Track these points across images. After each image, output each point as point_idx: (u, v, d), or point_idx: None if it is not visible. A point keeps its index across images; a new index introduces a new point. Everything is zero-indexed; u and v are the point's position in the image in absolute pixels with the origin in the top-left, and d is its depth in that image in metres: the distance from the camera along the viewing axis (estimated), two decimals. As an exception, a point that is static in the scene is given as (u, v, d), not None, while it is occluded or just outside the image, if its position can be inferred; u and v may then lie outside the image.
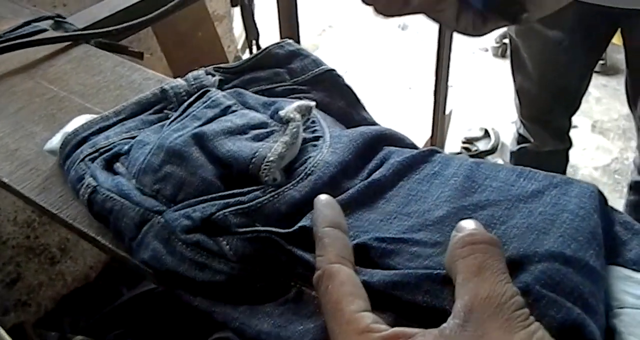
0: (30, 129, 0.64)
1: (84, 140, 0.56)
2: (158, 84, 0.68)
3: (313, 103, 0.52)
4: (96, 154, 0.54)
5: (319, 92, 0.58)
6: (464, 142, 2.27)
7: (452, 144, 2.27)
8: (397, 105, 2.34)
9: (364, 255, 0.42)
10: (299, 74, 0.59)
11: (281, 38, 1.70)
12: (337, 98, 0.58)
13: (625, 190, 1.61)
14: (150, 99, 0.59)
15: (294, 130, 0.49)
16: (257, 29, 1.29)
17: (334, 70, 0.59)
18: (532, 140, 1.63)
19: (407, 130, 2.22)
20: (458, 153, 2.24)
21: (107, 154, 0.54)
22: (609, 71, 2.52)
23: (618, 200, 1.83)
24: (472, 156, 2.19)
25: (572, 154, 1.73)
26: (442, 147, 2.14)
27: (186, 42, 1.65)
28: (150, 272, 0.47)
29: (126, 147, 0.55)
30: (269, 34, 1.49)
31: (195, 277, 0.45)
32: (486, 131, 2.30)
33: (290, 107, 0.50)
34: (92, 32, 0.78)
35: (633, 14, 1.16)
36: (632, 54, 1.30)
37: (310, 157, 0.49)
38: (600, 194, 0.43)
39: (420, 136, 1.95)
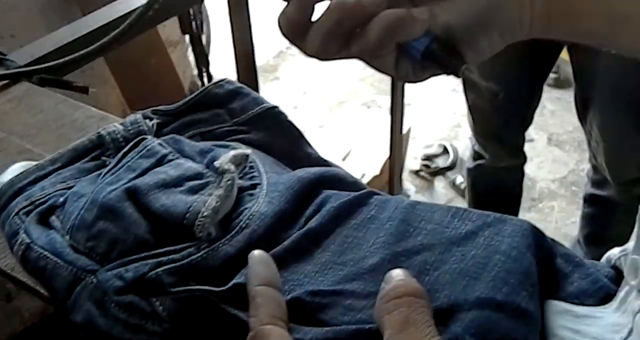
0: (-32, 172, 0.62)
1: (20, 191, 0.55)
2: (101, 122, 0.67)
3: (249, 151, 0.51)
4: (31, 207, 0.53)
5: (259, 131, 0.57)
6: (423, 159, 2.28)
7: (412, 162, 2.28)
8: (355, 125, 2.35)
9: (298, 310, 0.41)
10: (239, 113, 0.59)
11: (237, 63, 1.69)
12: (279, 136, 0.57)
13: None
14: (87, 146, 0.58)
15: (229, 182, 0.48)
16: (207, 57, 1.28)
17: (275, 107, 0.59)
18: (486, 156, 1.65)
19: (367, 149, 2.23)
20: (418, 170, 2.26)
21: (42, 207, 0.53)
22: (563, 84, 2.57)
23: (576, 212, 1.85)
24: (432, 173, 2.23)
25: (530, 167, 1.76)
26: (402, 165, 2.15)
27: (139, 69, 1.63)
28: None
29: (61, 199, 0.54)
30: (228, 59, 1.48)
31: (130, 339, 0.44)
32: (445, 148, 2.32)
33: (225, 158, 0.50)
34: (33, 69, 0.76)
35: None
36: (579, 69, 1.33)
37: (246, 208, 0.49)
38: (535, 229, 0.43)
39: (379, 155, 1.96)
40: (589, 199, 1.57)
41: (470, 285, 0.39)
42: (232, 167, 0.49)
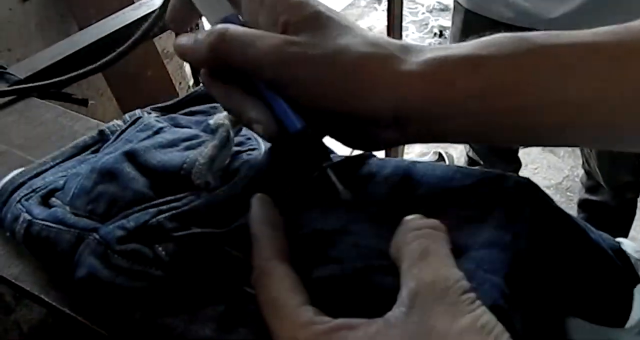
0: (-30, 185, 0.63)
1: (21, 185, 0.55)
2: (93, 132, 0.68)
3: None
4: (32, 194, 0.54)
5: None
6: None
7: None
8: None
9: (302, 249, 0.41)
10: None
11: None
12: None
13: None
14: (88, 142, 0.59)
15: (224, 134, 0.48)
16: (204, 68, 1.29)
17: None
18: (481, 162, 1.67)
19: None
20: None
21: (42, 191, 0.54)
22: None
23: (571, 218, 1.86)
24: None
25: (524, 173, 1.77)
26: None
27: (136, 81, 1.65)
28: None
29: (62, 182, 0.54)
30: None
31: (133, 287, 0.44)
32: (440, 155, 2.33)
33: (219, 115, 0.50)
34: (37, 85, 0.77)
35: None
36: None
37: (245, 161, 0.49)
38: (534, 185, 0.43)
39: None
40: (582, 205, 1.59)
41: (477, 228, 0.39)
42: (227, 122, 0.49)
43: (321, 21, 0.42)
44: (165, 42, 1.91)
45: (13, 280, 0.53)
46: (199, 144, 0.51)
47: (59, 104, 0.77)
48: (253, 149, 0.52)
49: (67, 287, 0.51)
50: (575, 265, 0.42)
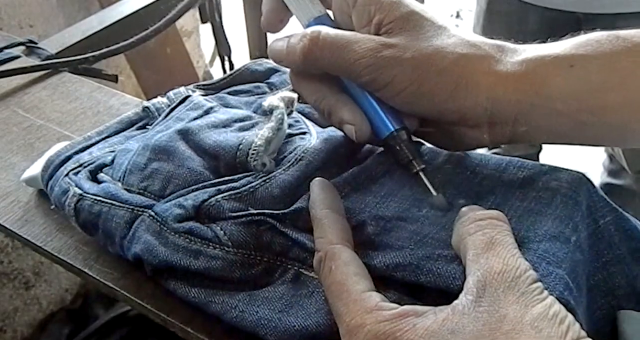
0: (9, 159, 0.63)
1: (67, 159, 0.55)
2: (137, 108, 0.68)
3: (295, 95, 0.51)
4: (80, 168, 0.53)
5: (299, 103, 0.58)
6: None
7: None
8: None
9: (362, 235, 0.41)
10: (279, 87, 0.59)
11: (250, 53, 1.70)
12: None
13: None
14: (132, 118, 0.59)
15: (279, 116, 0.48)
16: (229, 45, 1.29)
17: None
18: (502, 144, 1.65)
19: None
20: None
21: (90, 166, 0.53)
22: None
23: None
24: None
25: (545, 157, 1.75)
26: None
27: (155, 59, 1.64)
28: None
29: (110, 157, 0.54)
30: (237, 51, 1.49)
31: (189, 266, 0.44)
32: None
33: (273, 97, 0.50)
34: (70, 60, 0.77)
35: (596, 18, 1.19)
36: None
37: (299, 145, 0.49)
38: (588, 180, 0.43)
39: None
40: (604, 189, 1.58)
41: (537, 220, 0.39)
42: (281, 104, 0.49)
43: (415, 21, 0.42)
44: (184, 20, 1.90)
45: (55, 254, 0.53)
46: (252, 126, 0.51)
47: (91, 80, 0.77)
48: (304, 133, 0.51)
49: (111, 262, 0.51)
50: (627, 257, 0.42)
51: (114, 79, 0.84)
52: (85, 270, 0.52)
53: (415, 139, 0.46)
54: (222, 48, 1.26)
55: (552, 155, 2.25)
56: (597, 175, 1.71)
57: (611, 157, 1.47)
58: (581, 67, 0.40)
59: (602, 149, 1.60)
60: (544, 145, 1.69)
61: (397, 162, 0.44)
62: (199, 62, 1.99)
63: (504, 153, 1.67)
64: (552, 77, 0.40)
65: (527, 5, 1.23)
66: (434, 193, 0.42)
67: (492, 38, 0.43)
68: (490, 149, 1.71)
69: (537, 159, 1.73)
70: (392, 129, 0.44)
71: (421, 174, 0.43)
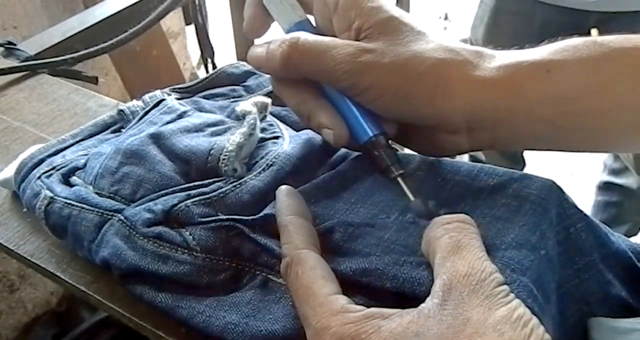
0: (-16, 162, 0.63)
1: (40, 162, 0.55)
2: (112, 111, 0.68)
3: (269, 100, 0.51)
4: (52, 171, 0.53)
5: (275, 106, 0.57)
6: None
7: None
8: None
9: (330, 241, 0.41)
10: (255, 90, 0.59)
11: (237, 55, 1.69)
12: (294, 113, 0.57)
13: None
14: (107, 121, 0.59)
15: (251, 122, 0.48)
16: (212, 46, 1.28)
17: None
18: (485, 161, 1.65)
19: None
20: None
21: (63, 169, 0.53)
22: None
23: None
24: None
25: (539, 159, 1.75)
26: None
27: (141, 61, 1.63)
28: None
29: (83, 161, 0.53)
30: (223, 52, 1.48)
31: (157, 270, 0.43)
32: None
33: (245, 102, 0.50)
34: (49, 61, 0.76)
35: (606, 18, 1.18)
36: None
37: (271, 150, 0.49)
38: (558, 187, 0.43)
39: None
40: (603, 187, 1.58)
41: (505, 228, 0.39)
42: (254, 109, 0.49)
43: (394, 26, 0.42)
44: (170, 21, 1.90)
45: (28, 257, 0.53)
46: (225, 130, 0.51)
47: (70, 82, 0.77)
48: (277, 137, 0.51)
49: (84, 266, 0.51)
50: (600, 264, 0.42)
51: (94, 80, 0.84)
52: (58, 273, 0.51)
53: (392, 144, 0.46)
54: (205, 50, 1.26)
55: (534, 172, 2.26)
56: (596, 173, 1.72)
57: (616, 156, 1.47)
58: (558, 73, 0.40)
59: (582, 165, 1.61)
60: (526, 163, 1.68)
61: (375, 167, 0.44)
62: (186, 64, 1.98)
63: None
64: (529, 82, 0.40)
65: (538, 4, 1.22)
66: (412, 198, 0.42)
67: (495, 39, 0.43)
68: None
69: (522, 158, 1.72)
70: (371, 134, 0.43)
71: (399, 179, 0.43)
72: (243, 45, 1.58)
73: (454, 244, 0.35)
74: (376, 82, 0.41)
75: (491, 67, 0.41)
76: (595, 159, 1.86)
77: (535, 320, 0.32)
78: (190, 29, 1.81)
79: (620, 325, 0.40)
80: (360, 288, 0.39)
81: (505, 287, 0.33)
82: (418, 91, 0.41)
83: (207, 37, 1.27)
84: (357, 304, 0.35)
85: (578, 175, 2.12)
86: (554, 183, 0.43)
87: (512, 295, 0.33)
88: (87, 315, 1.49)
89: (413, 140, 0.46)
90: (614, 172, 1.53)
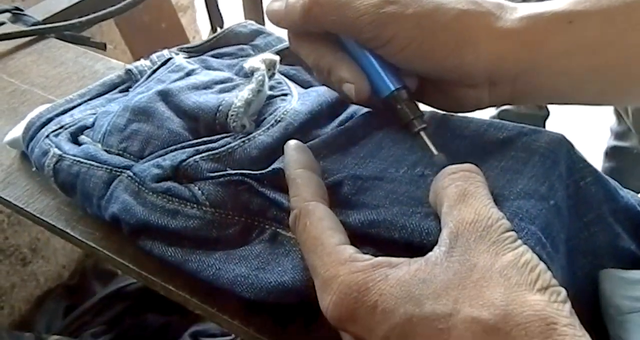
0: (-8, 123, 0.63)
1: (48, 121, 0.54)
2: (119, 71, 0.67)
3: (277, 57, 0.51)
4: (61, 130, 0.53)
5: (284, 65, 0.57)
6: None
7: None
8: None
9: (338, 194, 0.41)
10: (263, 49, 0.58)
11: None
12: (303, 72, 0.57)
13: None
14: (115, 80, 0.59)
15: (260, 78, 0.48)
16: (221, 15, 1.27)
17: None
18: (502, 105, 1.64)
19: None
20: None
21: (72, 128, 0.53)
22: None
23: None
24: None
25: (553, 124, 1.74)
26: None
27: (150, 33, 1.62)
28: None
29: (91, 120, 0.53)
30: (232, 22, 1.47)
31: (167, 225, 0.44)
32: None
33: (254, 59, 0.50)
34: (56, 26, 0.76)
35: None
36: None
37: (279, 107, 0.49)
38: (568, 141, 0.43)
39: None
40: (610, 152, 1.57)
41: (514, 179, 0.39)
42: (262, 66, 0.49)
43: None
44: (179, -5, 1.88)
45: (38, 215, 0.53)
46: (233, 87, 0.50)
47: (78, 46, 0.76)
48: (286, 94, 0.51)
49: (93, 223, 0.51)
50: (609, 217, 0.42)
51: (102, 46, 0.83)
52: (67, 230, 0.51)
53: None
54: (214, 19, 1.25)
55: (561, 120, 2.25)
56: (604, 139, 1.71)
57: (619, 118, 1.46)
58: (580, 23, 0.39)
59: (611, 112, 1.60)
60: (551, 112, 1.67)
61: (397, 121, 0.44)
62: (195, 37, 1.97)
63: (515, 110, 1.65)
64: (551, 33, 0.39)
65: None
66: (435, 152, 0.41)
67: None
68: (498, 107, 1.70)
69: (544, 125, 1.71)
70: (393, 88, 0.43)
71: (422, 133, 0.42)
72: (252, 15, 1.57)
73: (460, 192, 0.35)
74: (399, 34, 0.40)
75: (513, 18, 0.40)
76: (601, 125, 1.85)
77: (542, 265, 0.31)
78: (200, 3, 1.80)
79: (630, 276, 0.40)
80: (369, 239, 0.39)
81: (513, 233, 0.33)
82: (441, 42, 0.40)
83: (217, 5, 1.26)
84: (366, 254, 0.35)
85: (584, 143, 2.11)
86: (564, 137, 0.42)
87: (519, 241, 0.32)
88: (99, 288, 1.50)
89: (433, 96, 0.46)
90: (618, 136, 1.53)
